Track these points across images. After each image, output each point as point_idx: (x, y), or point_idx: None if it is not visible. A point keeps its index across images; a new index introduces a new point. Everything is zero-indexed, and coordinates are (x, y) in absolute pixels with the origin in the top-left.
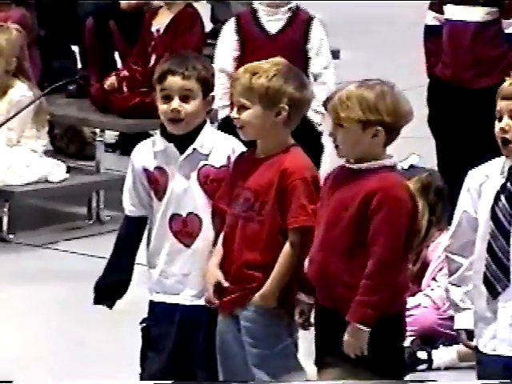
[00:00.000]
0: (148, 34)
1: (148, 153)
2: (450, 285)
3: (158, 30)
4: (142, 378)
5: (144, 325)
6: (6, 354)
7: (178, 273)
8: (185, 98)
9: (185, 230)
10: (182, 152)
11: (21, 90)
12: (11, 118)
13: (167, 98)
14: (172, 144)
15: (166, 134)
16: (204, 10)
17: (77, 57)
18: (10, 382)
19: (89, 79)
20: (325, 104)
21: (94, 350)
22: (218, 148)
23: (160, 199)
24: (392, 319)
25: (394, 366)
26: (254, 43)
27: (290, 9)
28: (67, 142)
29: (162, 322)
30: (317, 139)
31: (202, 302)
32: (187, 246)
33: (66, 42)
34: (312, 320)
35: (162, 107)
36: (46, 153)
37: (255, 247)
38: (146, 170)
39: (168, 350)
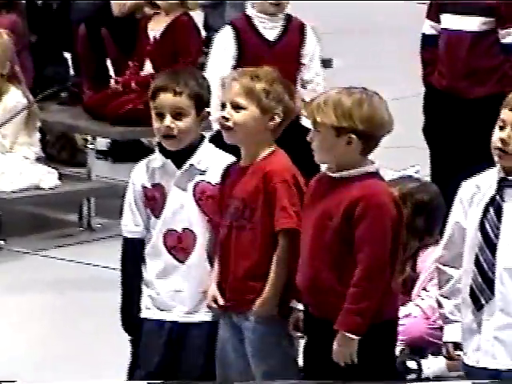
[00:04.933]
0: (144, 40)
1: (146, 171)
2: (441, 297)
3: (154, 37)
4: None
5: (133, 338)
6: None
7: (171, 289)
8: (177, 115)
9: (179, 245)
10: (179, 167)
11: (15, 96)
12: (4, 123)
13: (160, 115)
14: (169, 160)
15: (163, 151)
16: (197, 18)
17: (69, 63)
18: (14, 381)
19: (81, 86)
20: (305, 107)
21: (86, 357)
22: (216, 165)
23: (157, 216)
24: (383, 326)
25: (384, 373)
26: (253, 51)
27: (283, 16)
28: (59, 149)
29: (150, 338)
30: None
31: (193, 318)
32: (181, 261)
33: (59, 49)
34: None
35: (156, 124)
36: (38, 160)
37: (251, 256)
38: (144, 188)
39: (154, 366)
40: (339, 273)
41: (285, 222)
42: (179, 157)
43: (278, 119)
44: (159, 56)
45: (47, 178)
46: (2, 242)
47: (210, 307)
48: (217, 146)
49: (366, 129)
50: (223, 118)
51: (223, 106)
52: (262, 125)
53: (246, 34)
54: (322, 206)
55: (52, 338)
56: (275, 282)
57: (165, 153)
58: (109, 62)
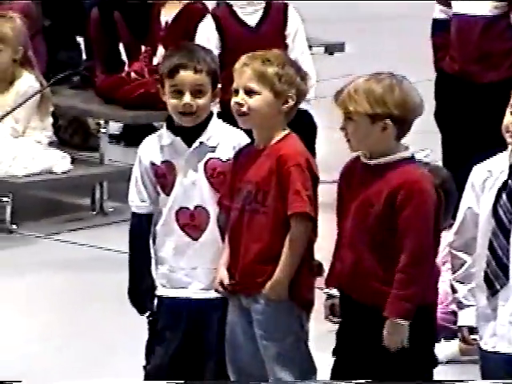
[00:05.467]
0: (157, 25)
1: (155, 147)
2: (455, 281)
3: (166, 22)
4: (146, 370)
5: (151, 318)
6: (11, 344)
7: (186, 266)
8: (196, 92)
9: (192, 223)
10: (189, 145)
11: (28, 81)
12: (16, 108)
13: (179, 93)
14: (179, 137)
15: (172, 128)
16: (209, 3)
17: (82, 48)
18: (19, 381)
19: (93, 70)
20: (335, 97)
21: (99, 340)
22: (225, 141)
23: (168, 194)
24: (426, 310)
25: (426, 357)
26: (235, 38)
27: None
28: (71, 134)
29: (169, 316)
30: (308, 122)
31: (210, 294)
32: (195, 239)
33: (71, 33)
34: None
35: (173, 101)
36: (51, 144)
37: (263, 239)
38: (153, 165)
39: (176, 344)
40: (381, 258)
41: (298, 206)
42: (189, 134)
43: (291, 102)
44: (172, 41)
45: (60, 162)
46: (14, 227)
47: (216, 290)
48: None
49: (400, 113)
50: (237, 103)
51: (236, 91)
52: (276, 109)
53: (227, 22)
54: (362, 193)
55: (65, 322)
56: (286, 264)
57: (174, 130)
58: (121, 46)
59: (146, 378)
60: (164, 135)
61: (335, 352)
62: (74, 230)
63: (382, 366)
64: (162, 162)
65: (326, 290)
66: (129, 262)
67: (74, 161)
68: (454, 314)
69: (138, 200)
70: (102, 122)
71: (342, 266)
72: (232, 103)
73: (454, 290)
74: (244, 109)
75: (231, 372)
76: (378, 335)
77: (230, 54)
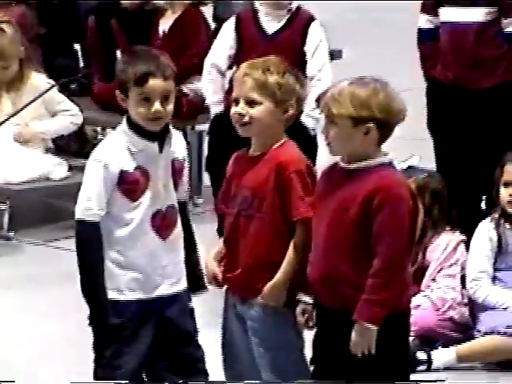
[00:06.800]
0: (155, 35)
1: (123, 154)
2: None
3: (163, 31)
4: (116, 375)
5: (114, 323)
6: (6, 351)
7: (158, 265)
8: (164, 99)
9: (164, 223)
10: (160, 150)
11: (42, 79)
12: (26, 106)
13: (146, 100)
14: (156, 143)
15: (143, 134)
16: (206, 10)
17: (79, 55)
18: (12, 381)
19: (90, 77)
20: (317, 100)
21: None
22: (176, 141)
23: (134, 200)
24: (398, 317)
25: (399, 365)
26: (251, 42)
27: (290, 10)
28: (68, 140)
29: (139, 317)
30: (310, 141)
31: (179, 287)
32: (165, 238)
33: (68, 40)
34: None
35: (142, 109)
36: (48, 150)
37: (260, 245)
38: (123, 172)
39: (150, 339)
40: (355, 264)
41: (304, 212)
42: (159, 139)
43: (291, 111)
44: (168, 50)
45: (57, 169)
46: (11, 234)
47: (209, 283)
48: (217, 131)
49: (383, 117)
50: (239, 114)
51: (236, 101)
52: (277, 117)
53: (247, 25)
54: (338, 197)
55: (63, 330)
56: (288, 269)
57: (148, 136)
58: (118, 53)
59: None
60: (134, 142)
61: (312, 361)
62: (71, 237)
63: (357, 373)
64: (135, 169)
65: (299, 297)
66: (87, 276)
67: (71, 168)
68: (451, 320)
69: (96, 207)
70: (98, 129)
71: (315, 271)
72: (232, 113)
73: None
74: (246, 119)
75: (228, 377)
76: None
77: (243, 56)
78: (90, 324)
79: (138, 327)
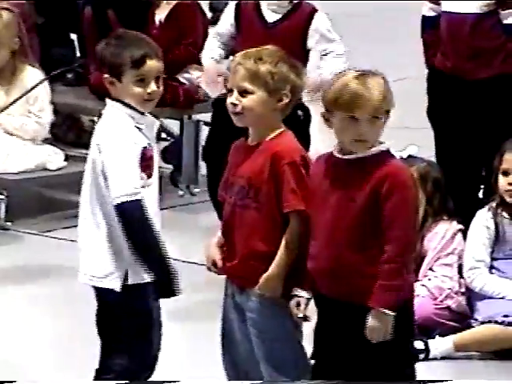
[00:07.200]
0: (151, 25)
1: (136, 131)
2: None
3: (160, 21)
4: (149, 365)
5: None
6: (7, 344)
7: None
8: (157, 80)
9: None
10: None
11: (36, 74)
12: (18, 98)
13: (142, 81)
14: (158, 121)
15: (141, 113)
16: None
17: (75, 45)
18: (13, 381)
19: (87, 67)
20: (332, 101)
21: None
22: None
23: (149, 176)
24: (404, 306)
25: (406, 353)
26: (249, 30)
27: (292, 1)
28: (65, 130)
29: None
30: (303, 129)
31: None
32: None
33: (65, 30)
34: (307, 313)
35: (139, 90)
36: (44, 140)
37: (256, 235)
38: (144, 149)
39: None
40: (364, 253)
41: (296, 204)
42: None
43: (286, 99)
44: (165, 39)
45: (54, 159)
46: (8, 224)
47: (209, 269)
48: (218, 120)
49: (391, 107)
50: (232, 104)
51: (230, 91)
52: (270, 107)
53: (247, 12)
54: (341, 188)
55: (61, 320)
56: (282, 261)
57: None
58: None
59: (151, 370)
60: (141, 120)
61: (314, 355)
62: (68, 227)
63: (362, 363)
64: (148, 145)
65: (293, 292)
66: (154, 253)
67: (67, 157)
68: (449, 309)
69: (139, 185)
70: (95, 118)
71: (320, 262)
72: (227, 102)
73: None
74: (238, 109)
75: (227, 366)
76: (358, 332)
77: (242, 43)
78: (165, 297)
79: (158, 307)
